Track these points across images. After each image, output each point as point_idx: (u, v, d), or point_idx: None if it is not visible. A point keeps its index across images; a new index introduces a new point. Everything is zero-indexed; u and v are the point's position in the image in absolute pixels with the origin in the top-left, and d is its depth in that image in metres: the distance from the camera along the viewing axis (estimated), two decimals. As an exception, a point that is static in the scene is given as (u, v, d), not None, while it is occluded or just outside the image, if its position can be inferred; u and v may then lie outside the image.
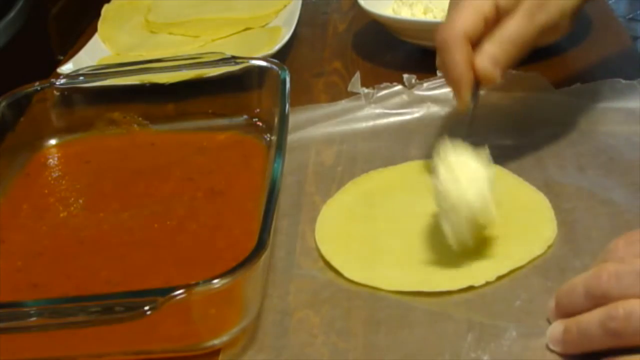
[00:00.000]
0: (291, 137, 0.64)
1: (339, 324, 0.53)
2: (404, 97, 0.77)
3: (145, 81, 0.79)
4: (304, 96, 0.81)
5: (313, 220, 0.63)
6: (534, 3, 0.59)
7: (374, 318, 0.53)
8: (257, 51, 0.85)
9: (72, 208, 0.67)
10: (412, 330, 0.51)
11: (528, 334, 0.50)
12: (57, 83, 0.76)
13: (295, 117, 0.73)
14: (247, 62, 0.75)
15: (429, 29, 0.84)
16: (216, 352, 0.52)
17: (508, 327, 0.50)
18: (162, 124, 0.77)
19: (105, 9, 1.03)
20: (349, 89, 0.79)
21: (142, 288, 0.52)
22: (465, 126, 0.63)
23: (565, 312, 0.48)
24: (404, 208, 0.63)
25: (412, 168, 0.68)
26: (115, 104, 0.78)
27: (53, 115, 0.76)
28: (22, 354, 0.52)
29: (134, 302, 0.47)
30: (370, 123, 0.75)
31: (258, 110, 0.74)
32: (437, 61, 0.62)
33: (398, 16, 0.88)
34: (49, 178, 0.71)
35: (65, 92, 0.77)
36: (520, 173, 0.62)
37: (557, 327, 0.48)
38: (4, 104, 0.72)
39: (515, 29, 0.59)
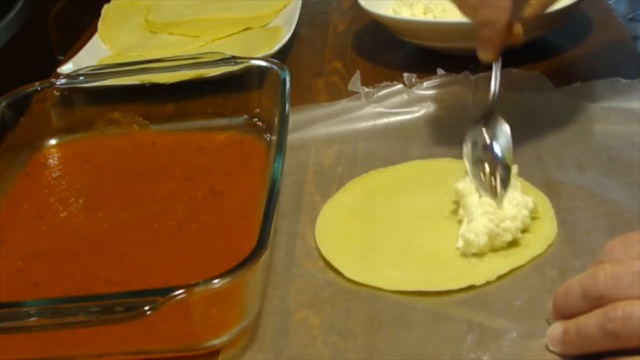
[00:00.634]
0: (291, 137, 0.64)
1: (340, 325, 0.53)
2: (404, 96, 0.77)
3: (145, 81, 0.79)
4: (304, 96, 0.81)
5: (313, 220, 0.63)
6: None
7: (374, 318, 0.53)
8: (257, 51, 0.85)
9: (72, 208, 0.67)
10: (413, 331, 0.51)
11: (528, 334, 0.50)
12: (57, 83, 0.76)
13: (295, 117, 0.73)
14: (247, 62, 0.75)
15: (429, 29, 0.84)
16: (216, 352, 0.52)
17: (508, 327, 0.50)
18: (162, 124, 0.77)
19: (105, 9, 1.04)
20: (349, 88, 0.79)
21: (142, 288, 0.52)
22: (493, 82, 0.66)
23: (563, 313, 0.48)
24: (404, 208, 0.63)
25: (412, 168, 0.68)
26: (115, 104, 0.78)
27: (53, 115, 0.77)
28: (22, 354, 0.52)
29: (134, 302, 0.47)
30: (370, 123, 0.75)
31: (258, 110, 0.74)
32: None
33: (398, 16, 0.88)
34: (49, 178, 0.71)
35: (65, 92, 0.77)
36: (520, 172, 0.62)
37: (556, 328, 0.48)
38: (4, 104, 0.72)
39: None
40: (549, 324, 0.49)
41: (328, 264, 0.58)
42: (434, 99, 0.76)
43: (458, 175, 0.61)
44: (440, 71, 0.79)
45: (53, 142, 0.76)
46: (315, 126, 0.75)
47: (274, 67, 0.72)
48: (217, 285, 0.48)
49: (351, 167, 0.69)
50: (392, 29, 0.87)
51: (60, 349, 0.52)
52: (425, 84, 0.78)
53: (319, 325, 0.53)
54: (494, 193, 0.58)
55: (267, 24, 0.97)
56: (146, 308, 0.47)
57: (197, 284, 0.48)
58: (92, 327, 0.48)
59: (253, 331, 0.53)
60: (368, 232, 0.61)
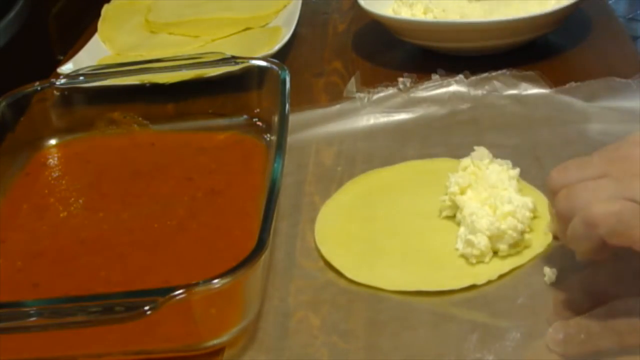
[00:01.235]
0: (291, 138, 0.64)
1: (340, 325, 0.53)
2: (399, 99, 0.77)
3: (145, 81, 0.79)
4: (304, 96, 0.81)
5: (313, 220, 0.63)
6: None
7: (375, 319, 0.53)
8: (257, 51, 0.85)
9: (72, 208, 0.67)
10: (415, 331, 0.51)
11: (531, 333, 0.50)
12: (57, 83, 0.76)
13: (295, 118, 0.73)
14: (247, 62, 0.75)
15: (429, 29, 0.84)
16: (216, 352, 0.52)
17: (511, 326, 0.50)
18: (162, 124, 0.77)
19: (105, 9, 1.03)
20: (345, 94, 0.79)
21: (142, 288, 0.52)
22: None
23: (564, 310, 0.49)
24: (403, 208, 0.63)
25: (410, 168, 0.68)
26: (115, 104, 0.78)
27: (53, 115, 0.76)
28: (22, 354, 0.52)
29: (134, 302, 0.47)
30: (368, 123, 0.75)
31: (258, 110, 0.74)
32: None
33: (398, 16, 0.88)
34: (49, 178, 0.71)
35: (65, 92, 0.77)
36: (519, 173, 0.62)
37: (557, 329, 0.48)
38: (4, 104, 0.72)
39: None
40: (549, 324, 0.49)
41: (328, 264, 0.58)
42: (430, 100, 0.77)
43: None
44: (434, 76, 0.79)
45: (53, 142, 0.76)
46: (314, 127, 0.75)
47: (274, 67, 0.72)
48: (217, 285, 0.48)
49: (351, 167, 0.69)
50: (392, 29, 0.87)
51: (60, 349, 0.52)
52: (421, 87, 0.78)
53: (320, 326, 0.53)
54: None
55: (267, 24, 0.97)
56: (146, 308, 0.47)
57: (197, 284, 0.48)
58: (92, 327, 0.48)
59: (253, 331, 0.53)
60: (367, 232, 0.61)
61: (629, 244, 0.47)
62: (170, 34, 0.98)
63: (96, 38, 0.97)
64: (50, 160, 0.74)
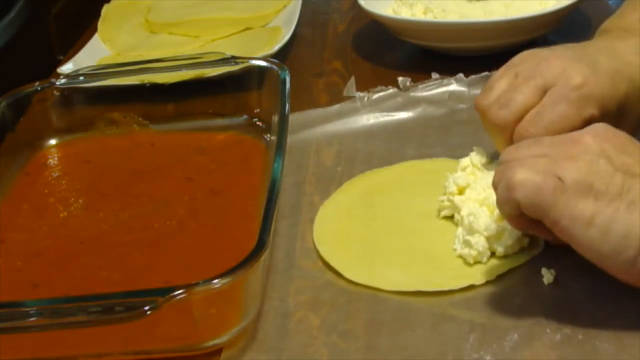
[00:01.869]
0: (291, 138, 0.64)
1: (340, 325, 0.53)
2: (399, 99, 0.77)
3: (145, 81, 0.79)
4: (304, 96, 0.81)
5: (313, 220, 0.63)
6: (627, 128, 0.55)
7: (375, 319, 0.53)
8: (257, 51, 0.85)
9: (72, 208, 0.67)
10: (414, 331, 0.51)
11: (529, 333, 0.50)
12: (57, 83, 0.76)
13: (295, 119, 0.73)
14: (247, 62, 0.75)
15: (429, 29, 0.84)
16: (216, 352, 0.52)
17: (509, 327, 0.50)
18: (162, 124, 0.77)
19: (105, 9, 1.03)
20: (345, 93, 0.79)
21: (142, 288, 0.52)
22: None
23: None
24: (402, 208, 0.63)
25: (409, 168, 0.68)
26: (115, 104, 0.78)
27: (53, 115, 0.77)
28: (22, 354, 0.52)
29: (134, 302, 0.47)
30: (368, 123, 0.75)
31: (258, 110, 0.74)
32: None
33: (398, 16, 0.88)
34: (49, 178, 0.71)
35: (65, 92, 0.77)
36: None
37: None
38: (4, 104, 0.72)
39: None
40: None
41: (327, 264, 0.58)
42: (429, 100, 0.77)
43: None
44: (434, 75, 0.79)
45: (53, 142, 0.76)
46: (315, 127, 0.75)
47: (274, 67, 0.72)
48: (217, 285, 0.48)
49: (350, 167, 0.69)
50: (392, 29, 0.87)
51: (60, 349, 0.52)
52: (420, 87, 0.78)
53: (319, 326, 0.53)
54: None
55: (267, 24, 0.97)
56: (146, 308, 0.47)
57: (197, 284, 0.48)
58: (92, 327, 0.48)
59: (253, 332, 0.53)
60: (366, 232, 0.61)
61: (540, 217, 0.49)
62: (170, 34, 0.98)
63: (96, 38, 0.97)
64: (50, 160, 0.74)
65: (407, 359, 0.50)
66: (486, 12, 0.86)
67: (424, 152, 0.70)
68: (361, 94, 0.78)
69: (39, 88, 0.75)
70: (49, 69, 0.91)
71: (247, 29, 0.96)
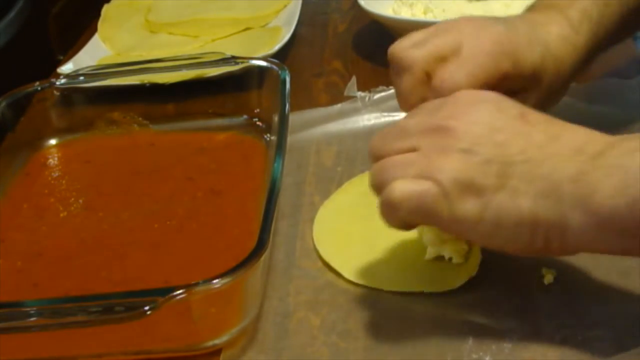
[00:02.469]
0: (291, 138, 0.64)
1: (340, 326, 0.53)
2: None
3: (145, 81, 0.79)
4: (304, 96, 0.81)
5: (313, 220, 0.63)
6: (533, 100, 0.57)
7: (375, 319, 0.53)
8: (257, 51, 0.85)
9: (72, 208, 0.67)
10: (414, 331, 0.51)
11: (528, 334, 0.50)
12: (57, 83, 0.76)
13: (295, 119, 0.73)
14: (247, 62, 0.75)
15: (429, 29, 0.84)
16: (216, 352, 0.52)
17: (509, 327, 0.50)
18: (162, 124, 0.77)
19: (105, 9, 1.03)
20: (346, 93, 0.79)
21: (142, 288, 0.52)
22: None
23: None
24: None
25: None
26: (115, 104, 0.78)
27: (53, 115, 0.77)
28: (22, 354, 0.52)
29: (134, 302, 0.47)
30: (369, 123, 0.75)
31: (258, 110, 0.74)
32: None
33: (398, 16, 0.88)
34: (49, 178, 0.71)
35: (65, 92, 0.77)
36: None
37: None
38: (4, 104, 0.72)
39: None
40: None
41: (327, 264, 0.58)
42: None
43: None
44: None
45: (53, 142, 0.76)
46: (315, 127, 0.75)
47: (274, 67, 0.72)
48: (217, 285, 0.48)
49: (350, 167, 0.69)
50: (392, 29, 0.87)
51: (60, 349, 0.52)
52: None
53: (319, 326, 0.53)
54: None
55: (267, 24, 0.97)
56: (146, 308, 0.47)
57: (197, 284, 0.48)
58: (92, 327, 0.48)
59: (253, 332, 0.53)
60: (366, 232, 0.61)
61: (433, 225, 0.49)
62: (170, 34, 0.98)
63: (96, 38, 0.97)
64: (50, 160, 0.74)
65: (407, 359, 0.50)
66: (486, 12, 0.86)
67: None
68: (362, 94, 0.78)
69: (39, 88, 0.75)
70: (49, 69, 0.91)
71: (247, 29, 0.96)
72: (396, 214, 0.49)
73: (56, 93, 0.76)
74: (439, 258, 0.56)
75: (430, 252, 0.56)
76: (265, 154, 0.69)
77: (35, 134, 0.75)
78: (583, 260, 0.54)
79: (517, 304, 0.52)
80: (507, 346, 0.49)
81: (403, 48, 0.56)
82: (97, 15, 1.02)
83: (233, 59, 0.75)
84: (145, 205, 0.65)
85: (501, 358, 0.48)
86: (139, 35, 0.98)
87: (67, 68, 0.86)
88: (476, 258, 0.55)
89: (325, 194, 0.66)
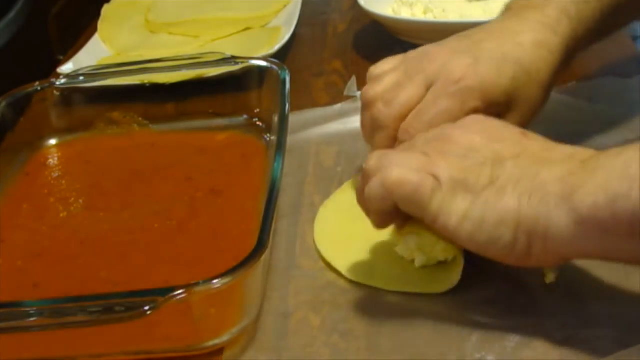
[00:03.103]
0: (291, 138, 0.64)
1: (340, 325, 0.53)
2: None
3: (145, 81, 0.79)
4: (304, 96, 0.81)
5: (313, 220, 0.63)
6: (515, 120, 0.58)
7: (375, 319, 0.53)
8: (257, 51, 0.85)
9: (72, 208, 0.67)
10: (416, 331, 0.51)
11: (531, 333, 0.50)
12: (57, 83, 0.76)
13: (295, 119, 0.73)
14: (247, 62, 0.75)
15: (429, 29, 0.84)
16: (216, 352, 0.52)
17: (511, 327, 0.50)
18: (162, 124, 0.77)
19: (105, 9, 1.03)
20: (346, 93, 0.79)
21: (142, 288, 0.52)
22: None
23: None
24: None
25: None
26: (115, 104, 0.78)
27: (53, 115, 0.76)
28: (22, 354, 0.52)
29: (134, 302, 0.47)
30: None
31: (258, 110, 0.74)
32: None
33: (398, 16, 0.88)
34: (49, 178, 0.71)
35: (65, 92, 0.77)
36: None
37: None
38: (4, 104, 0.72)
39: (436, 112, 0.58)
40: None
41: (328, 264, 0.58)
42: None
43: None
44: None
45: (53, 142, 0.76)
46: (315, 127, 0.75)
47: (274, 67, 0.72)
48: (217, 285, 0.48)
49: (351, 167, 0.69)
50: (392, 29, 0.87)
51: (60, 349, 0.52)
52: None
53: (320, 326, 0.53)
54: None
55: (267, 24, 0.97)
56: (146, 308, 0.47)
57: (197, 284, 0.48)
58: (92, 327, 0.48)
59: (253, 331, 0.53)
60: (367, 232, 0.61)
61: (419, 216, 0.49)
62: (170, 34, 0.98)
63: (96, 38, 0.97)
64: (50, 160, 0.74)
65: (409, 359, 0.50)
66: (486, 12, 0.86)
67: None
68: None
69: (39, 88, 0.75)
70: (49, 69, 0.91)
71: (247, 29, 0.96)
72: (385, 199, 0.50)
73: (56, 93, 0.76)
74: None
75: (420, 260, 0.56)
76: (265, 154, 0.69)
77: (35, 133, 0.75)
78: (585, 260, 0.54)
79: (520, 303, 0.52)
80: (510, 345, 0.49)
81: (374, 101, 0.59)
82: (97, 15, 1.02)
83: (233, 59, 0.75)
84: (145, 205, 0.65)
85: (504, 357, 0.48)
86: (139, 35, 0.98)
87: (67, 68, 0.86)
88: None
89: (326, 194, 0.66)
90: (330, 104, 0.78)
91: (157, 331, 0.51)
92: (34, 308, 0.49)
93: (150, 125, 0.77)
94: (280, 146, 0.60)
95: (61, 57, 0.99)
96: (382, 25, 0.88)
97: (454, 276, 0.54)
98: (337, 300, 0.55)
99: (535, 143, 0.50)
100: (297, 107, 0.75)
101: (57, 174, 0.72)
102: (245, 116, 0.75)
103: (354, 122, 0.75)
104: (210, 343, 0.52)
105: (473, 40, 0.60)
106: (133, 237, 0.62)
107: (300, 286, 0.57)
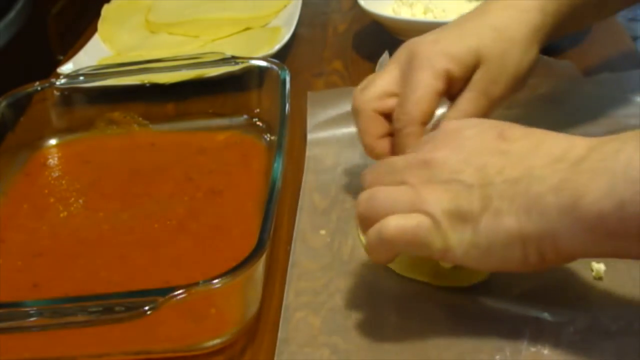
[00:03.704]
0: (291, 138, 0.64)
1: (340, 326, 0.53)
2: None
3: (145, 81, 0.79)
4: (304, 96, 0.81)
5: (312, 220, 0.63)
6: (486, 76, 0.58)
7: (375, 320, 0.53)
8: (257, 51, 0.85)
9: (72, 208, 0.67)
10: (416, 331, 0.51)
11: (586, 325, 0.50)
12: (57, 83, 0.76)
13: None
14: (247, 62, 0.75)
15: (429, 29, 0.84)
16: (216, 352, 0.52)
17: (564, 320, 0.50)
18: (162, 124, 0.77)
19: (105, 9, 1.03)
20: (377, 68, 0.78)
21: (142, 288, 0.52)
22: None
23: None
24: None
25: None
26: (115, 104, 0.78)
27: (53, 115, 0.77)
28: (22, 354, 0.52)
29: (134, 302, 0.47)
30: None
31: (258, 110, 0.74)
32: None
33: (398, 16, 0.88)
34: (49, 178, 0.71)
35: (65, 92, 0.77)
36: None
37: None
38: (4, 104, 0.72)
39: (468, 107, 0.58)
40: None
41: (328, 264, 0.58)
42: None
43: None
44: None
45: (53, 142, 0.76)
46: (315, 127, 0.75)
47: (274, 67, 0.72)
48: (217, 285, 0.48)
49: (350, 167, 0.69)
50: (392, 29, 0.87)
51: (60, 349, 0.52)
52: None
53: (320, 326, 0.53)
54: None
55: (267, 24, 0.97)
56: (146, 308, 0.47)
57: (197, 284, 0.48)
58: (92, 327, 0.48)
59: (253, 331, 0.53)
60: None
61: (427, 255, 0.48)
62: (170, 34, 0.98)
63: (96, 38, 0.97)
64: (50, 160, 0.74)
65: (410, 359, 0.50)
66: (486, 12, 0.85)
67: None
68: None
69: (39, 88, 0.75)
70: (49, 69, 0.91)
71: (247, 29, 0.96)
72: (391, 250, 0.49)
73: (56, 93, 0.77)
74: None
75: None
76: (265, 153, 0.69)
77: (35, 134, 0.75)
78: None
79: (570, 296, 0.52)
80: (565, 339, 0.49)
81: (356, 90, 0.61)
82: (97, 15, 1.02)
83: (233, 59, 0.75)
84: (145, 205, 0.65)
85: (560, 350, 0.48)
86: (139, 35, 0.98)
87: (67, 68, 0.86)
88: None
89: (326, 194, 0.66)
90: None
91: (157, 331, 0.51)
92: (34, 308, 0.49)
93: (150, 125, 0.77)
94: (280, 146, 0.60)
95: (61, 57, 0.99)
96: (382, 25, 0.88)
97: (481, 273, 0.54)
98: (337, 300, 0.55)
99: (516, 145, 0.48)
100: (297, 107, 0.75)
101: (57, 174, 0.72)
102: (245, 116, 0.75)
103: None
104: (211, 343, 0.52)
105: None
106: (133, 237, 0.62)
107: (300, 286, 0.57)
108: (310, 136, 0.73)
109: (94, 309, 0.48)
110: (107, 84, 0.78)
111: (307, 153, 0.71)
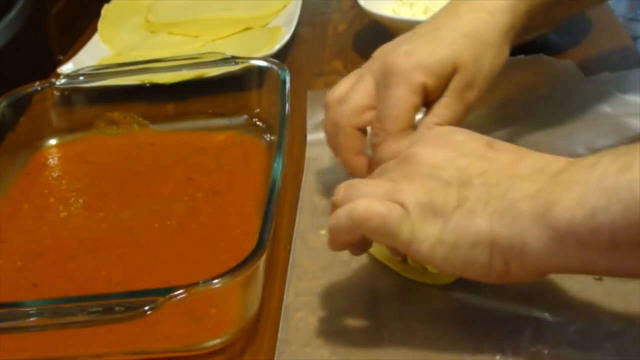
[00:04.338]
0: (290, 138, 0.64)
1: (340, 326, 0.53)
2: None
3: (145, 81, 0.79)
4: (304, 96, 0.81)
5: (312, 220, 0.63)
6: (461, 82, 0.58)
7: (375, 320, 0.53)
8: (257, 51, 0.85)
9: (72, 208, 0.67)
10: (416, 330, 0.51)
11: (585, 325, 0.50)
12: (57, 83, 0.76)
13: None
14: (247, 62, 0.75)
15: (429, 29, 0.84)
16: (216, 352, 0.52)
17: (565, 320, 0.50)
18: (162, 124, 0.77)
19: (105, 9, 1.04)
20: None
21: (142, 288, 0.52)
22: None
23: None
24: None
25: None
26: (115, 104, 0.78)
27: (53, 115, 0.77)
28: (22, 354, 0.52)
29: (134, 302, 0.47)
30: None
31: (258, 110, 0.74)
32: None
33: (398, 16, 0.88)
34: (49, 178, 0.71)
35: (65, 92, 0.77)
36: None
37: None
38: (4, 104, 0.72)
39: (446, 112, 0.58)
40: None
41: (328, 263, 0.58)
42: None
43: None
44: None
45: (53, 142, 0.76)
46: (315, 127, 0.75)
47: (274, 67, 0.72)
48: (217, 285, 0.48)
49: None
50: (392, 29, 0.87)
51: (60, 349, 0.52)
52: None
53: (319, 326, 0.53)
54: None
55: (267, 24, 0.97)
56: (146, 308, 0.47)
57: (197, 284, 0.48)
58: (92, 327, 0.48)
59: (253, 332, 0.53)
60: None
61: (392, 245, 0.49)
62: (170, 34, 0.98)
63: (96, 38, 0.97)
64: (50, 160, 0.74)
65: (410, 359, 0.50)
66: (486, 12, 0.85)
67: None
68: None
69: (39, 88, 0.75)
70: (49, 69, 0.91)
71: (247, 29, 0.96)
72: (354, 232, 0.49)
73: (56, 93, 0.77)
74: None
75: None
76: (265, 153, 0.69)
77: (35, 133, 0.75)
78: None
79: (570, 296, 0.52)
80: (565, 339, 0.49)
81: (331, 102, 0.61)
82: (97, 15, 1.02)
83: (233, 59, 0.75)
84: (145, 205, 0.65)
85: (560, 350, 0.48)
86: (139, 35, 0.98)
87: (67, 68, 0.86)
88: None
89: (326, 194, 0.66)
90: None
91: (157, 331, 0.51)
92: (34, 308, 0.49)
93: (150, 125, 0.77)
94: (280, 146, 0.60)
95: (61, 57, 0.99)
96: (382, 25, 0.88)
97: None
98: (337, 300, 0.55)
99: (502, 155, 0.48)
100: (297, 107, 0.75)
101: (57, 174, 0.72)
102: (245, 116, 0.75)
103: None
104: (211, 343, 0.52)
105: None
106: (133, 237, 0.62)
107: (300, 286, 0.57)
108: (310, 136, 0.73)
109: (94, 309, 0.48)
110: (107, 84, 0.78)
111: (307, 153, 0.71)
